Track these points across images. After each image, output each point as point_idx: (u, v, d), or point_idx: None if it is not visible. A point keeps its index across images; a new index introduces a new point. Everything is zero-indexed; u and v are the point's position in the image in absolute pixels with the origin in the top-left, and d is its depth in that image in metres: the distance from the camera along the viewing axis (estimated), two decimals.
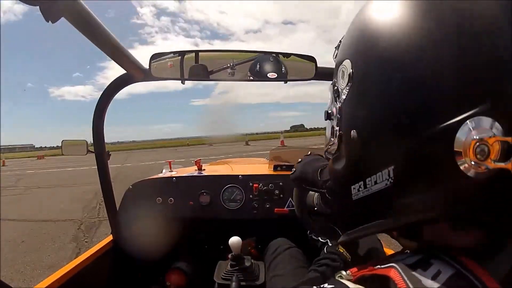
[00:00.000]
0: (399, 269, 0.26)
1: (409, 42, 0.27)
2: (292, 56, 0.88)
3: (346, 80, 0.33)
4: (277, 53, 0.86)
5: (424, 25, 0.27)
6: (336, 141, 0.35)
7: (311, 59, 0.86)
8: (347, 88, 0.33)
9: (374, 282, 0.28)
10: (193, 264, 1.29)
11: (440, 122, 0.24)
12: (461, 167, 0.24)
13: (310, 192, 0.93)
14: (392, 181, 0.27)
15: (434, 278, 0.24)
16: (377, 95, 0.29)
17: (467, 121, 0.23)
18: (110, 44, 0.49)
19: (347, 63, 0.33)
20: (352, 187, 0.32)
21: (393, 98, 0.27)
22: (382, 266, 0.29)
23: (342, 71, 0.34)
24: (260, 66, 0.84)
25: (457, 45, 0.25)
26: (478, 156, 0.23)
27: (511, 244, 0.26)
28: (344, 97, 0.34)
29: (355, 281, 0.29)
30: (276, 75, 0.84)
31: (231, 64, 0.84)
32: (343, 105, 0.34)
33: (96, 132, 0.85)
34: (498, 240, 0.27)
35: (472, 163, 0.23)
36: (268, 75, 0.84)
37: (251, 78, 0.85)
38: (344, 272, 0.31)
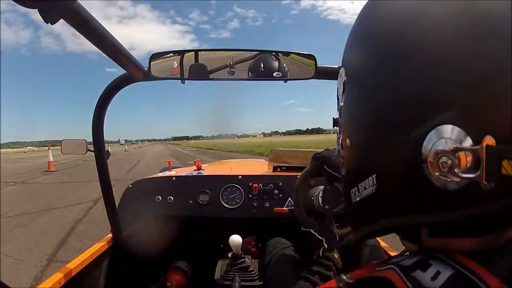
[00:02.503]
0: (398, 270, 0.26)
1: (384, 53, 0.28)
2: (291, 54, 0.88)
3: (342, 88, 0.35)
4: (277, 52, 0.86)
5: (393, 41, 0.27)
6: (339, 147, 0.37)
7: (311, 57, 0.86)
8: (343, 96, 0.34)
9: (374, 284, 0.28)
10: (193, 264, 1.29)
11: (410, 131, 0.25)
12: (430, 178, 0.24)
13: (311, 191, 0.94)
14: (375, 187, 0.29)
15: (433, 278, 0.24)
16: (361, 104, 0.31)
17: (433, 130, 0.23)
18: (109, 44, 0.49)
19: (342, 71, 0.35)
20: (351, 191, 0.33)
21: (373, 108, 0.29)
22: (381, 268, 0.29)
23: (340, 78, 0.36)
24: (260, 65, 0.84)
25: (421, 56, 0.25)
26: (442, 168, 0.23)
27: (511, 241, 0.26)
28: (342, 104, 0.35)
29: (355, 284, 0.30)
30: (276, 74, 0.84)
31: (231, 63, 0.84)
32: (341, 113, 0.35)
33: (96, 131, 0.85)
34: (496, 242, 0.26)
35: (436, 174, 0.23)
36: (268, 74, 0.83)
37: (251, 77, 0.84)
38: (344, 276, 0.31)
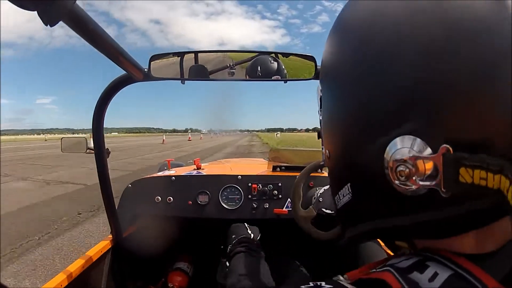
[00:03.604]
0: (394, 272, 0.26)
1: (352, 62, 0.29)
2: (291, 55, 0.88)
3: (319, 103, 0.37)
4: (276, 53, 0.86)
5: (356, 53, 0.28)
6: (324, 157, 0.39)
7: (311, 58, 0.86)
8: (320, 111, 0.37)
9: (371, 286, 0.28)
10: (194, 264, 1.29)
11: (373, 142, 0.26)
12: (393, 185, 0.24)
13: (310, 192, 0.94)
14: (351, 195, 0.30)
15: (431, 280, 0.24)
16: (334, 116, 0.32)
17: (393, 140, 0.24)
18: (109, 46, 0.49)
19: (318, 87, 0.37)
20: (335, 198, 0.35)
21: (344, 118, 0.30)
22: (377, 270, 0.29)
23: (317, 95, 0.38)
24: (260, 66, 0.84)
25: (383, 69, 0.26)
26: (400, 176, 0.23)
27: (510, 243, 0.26)
28: (320, 118, 0.37)
29: (353, 284, 0.30)
30: (276, 75, 0.84)
31: (231, 64, 0.84)
32: (321, 124, 0.38)
33: (96, 131, 0.85)
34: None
35: (396, 182, 0.24)
36: (268, 74, 0.84)
37: (250, 78, 0.85)
38: (341, 277, 0.31)
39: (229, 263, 0.74)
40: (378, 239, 1.01)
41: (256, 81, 0.86)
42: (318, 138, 0.41)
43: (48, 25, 0.33)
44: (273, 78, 0.84)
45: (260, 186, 1.14)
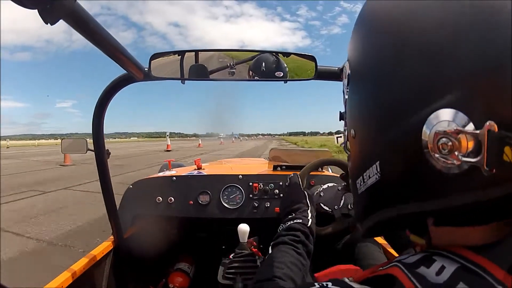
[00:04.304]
0: (402, 267, 0.26)
1: (385, 41, 0.28)
2: (292, 55, 0.87)
3: (346, 81, 0.35)
4: (277, 52, 0.86)
5: (397, 28, 0.28)
6: (345, 140, 0.37)
7: (311, 58, 0.85)
8: (347, 89, 0.35)
9: (379, 283, 0.28)
10: (195, 265, 1.29)
11: (410, 116, 0.25)
12: (431, 161, 0.23)
13: (311, 189, 0.94)
14: (379, 175, 0.29)
15: (438, 273, 0.24)
16: (365, 94, 0.31)
17: (434, 113, 0.23)
18: (109, 44, 0.49)
19: (346, 65, 0.35)
20: (356, 182, 0.33)
21: (375, 95, 0.29)
22: (384, 267, 0.29)
23: (344, 73, 0.36)
24: (260, 65, 0.83)
25: (424, 41, 0.25)
26: (442, 149, 0.22)
27: None
28: (346, 97, 0.36)
29: (361, 284, 0.30)
30: (276, 75, 0.84)
31: (231, 63, 0.84)
32: (345, 106, 0.36)
33: (96, 131, 0.85)
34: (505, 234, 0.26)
35: (437, 156, 0.23)
36: (268, 74, 0.83)
37: (251, 78, 0.84)
38: (346, 279, 0.31)
39: (271, 248, 0.64)
40: (381, 241, 1.02)
41: (256, 81, 0.86)
42: (340, 120, 0.40)
43: (49, 24, 0.33)
44: (273, 78, 0.84)
45: (261, 185, 1.14)
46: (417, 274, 0.25)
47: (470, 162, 0.21)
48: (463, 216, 0.25)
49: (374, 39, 0.30)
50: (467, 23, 0.23)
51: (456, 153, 0.22)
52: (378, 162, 0.29)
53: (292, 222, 0.68)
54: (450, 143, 0.22)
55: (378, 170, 0.29)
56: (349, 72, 0.34)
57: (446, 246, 0.27)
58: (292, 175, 0.88)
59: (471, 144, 0.21)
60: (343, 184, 0.93)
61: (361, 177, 0.32)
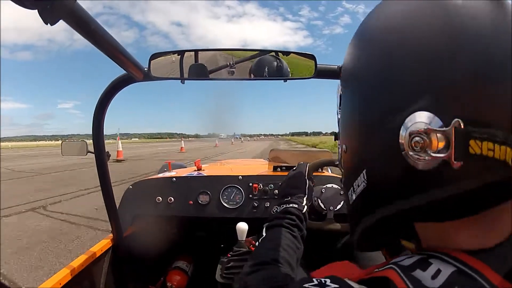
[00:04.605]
0: (398, 270, 0.26)
1: (368, 58, 0.31)
2: (291, 54, 0.87)
3: (339, 101, 0.39)
4: (277, 51, 0.86)
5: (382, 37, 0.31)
6: (340, 157, 0.40)
7: (311, 57, 0.85)
8: (339, 108, 0.38)
9: (374, 285, 0.28)
10: (194, 263, 1.29)
11: (388, 122, 0.27)
12: (407, 160, 0.26)
13: (314, 188, 0.95)
14: (366, 182, 0.31)
15: (434, 277, 0.24)
16: (352, 107, 0.34)
17: (408, 117, 0.26)
18: (108, 44, 0.49)
19: (339, 84, 0.39)
20: (348, 193, 0.36)
21: (360, 107, 0.32)
22: (380, 269, 0.29)
23: (337, 93, 0.40)
24: (259, 64, 0.83)
25: (402, 54, 0.28)
26: (415, 147, 0.25)
27: None
28: (339, 117, 0.39)
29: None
30: (276, 73, 0.84)
31: (230, 63, 0.84)
32: (339, 125, 0.39)
33: (96, 132, 0.85)
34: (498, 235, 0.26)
35: (411, 153, 0.25)
36: (268, 73, 0.83)
37: (251, 77, 0.84)
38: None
39: (266, 230, 0.63)
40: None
41: (256, 80, 0.86)
42: (335, 140, 0.43)
43: (48, 24, 0.33)
44: (273, 77, 0.84)
45: (261, 186, 1.14)
46: (412, 277, 0.25)
47: (440, 157, 0.24)
48: (445, 211, 0.27)
49: (361, 52, 0.33)
50: (444, 39, 0.26)
51: (427, 149, 0.24)
52: (365, 170, 0.31)
53: (288, 205, 0.69)
54: (422, 141, 0.24)
55: (365, 177, 0.31)
56: (341, 93, 0.38)
57: (440, 248, 0.27)
58: (302, 163, 0.88)
59: (441, 141, 0.24)
60: None
61: (352, 187, 0.34)
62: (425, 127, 0.24)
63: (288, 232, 0.60)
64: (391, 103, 0.28)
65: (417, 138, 0.25)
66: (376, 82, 0.29)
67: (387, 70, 0.28)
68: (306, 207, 0.70)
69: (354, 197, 0.34)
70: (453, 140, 0.23)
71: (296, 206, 0.68)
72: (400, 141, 0.26)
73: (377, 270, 0.29)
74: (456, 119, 0.23)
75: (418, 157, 0.25)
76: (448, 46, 0.26)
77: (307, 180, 0.80)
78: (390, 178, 0.28)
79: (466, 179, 0.24)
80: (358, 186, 0.32)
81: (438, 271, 0.24)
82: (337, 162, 0.99)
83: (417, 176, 0.26)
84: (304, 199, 0.72)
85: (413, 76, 0.26)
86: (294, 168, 0.86)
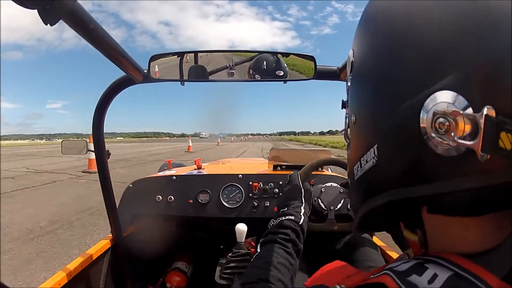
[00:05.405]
0: (393, 276, 0.26)
1: (390, 26, 0.28)
2: (291, 55, 0.88)
3: (350, 68, 0.35)
4: (276, 53, 0.86)
5: (408, 11, 0.27)
6: (346, 127, 0.37)
7: (310, 58, 0.86)
8: (350, 76, 0.35)
9: None
10: (193, 264, 1.29)
11: (409, 98, 0.25)
12: (426, 142, 0.23)
13: (313, 188, 0.94)
14: (376, 159, 0.28)
15: (430, 282, 0.23)
16: (366, 77, 0.31)
17: (432, 95, 0.23)
18: (109, 46, 0.49)
19: (350, 53, 0.35)
20: (354, 167, 0.33)
21: (377, 80, 0.29)
22: (375, 275, 0.28)
23: (348, 59, 0.36)
24: (259, 66, 0.84)
25: (426, 23, 0.25)
26: (439, 129, 0.22)
27: (510, 238, 0.25)
28: (349, 84, 0.35)
29: None
30: (276, 74, 0.84)
31: (230, 64, 0.84)
32: (348, 92, 0.36)
33: (96, 132, 0.85)
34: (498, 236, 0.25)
35: (433, 135, 0.23)
36: (267, 75, 0.84)
37: (251, 78, 0.85)
38: (337, 286, 0.31)
39: (260, 246, 0.63)
40: (380, 242, 1.02)
41: (257, 81, 0.86)
42: (342, 108, 0.40)
43: (48, 24, 0.33)
44: (274, 78, 0.84)
45: (261, 185, 1.14)
46: (408, 282, 0.24)
47: (466, 144, 0.21)
48: (457, 204, 0.25)
49: (378, 30, 0.30)
50: (483, 7, 0.23)
51: (452, 134, 0.22)
52: (376, 145, 0.28)
53: (283, 218, 0.67)
54: (447, 123, 0.22)
55: (376, 153, 0.28)
56: (353, 59, 0.34)
57: (440, 250, 0.27)
58: (293, 172, 0.88)
59: (468, 127, 0.21)
60: (346, 190, 0.93)
61: (358, 162, 0.32)
62: (452, 109, 0.22)
63: (281, 249, 0.59)
64: (413, 77, 0.25)
65: (441, 119, 0.22)
66: (396, 56, 0.27)
67: (410, 47, 0.25)
68: (304, 217, 0.70)
69: (360, 174, 0.32)
70: (483, 128, 0.20)
71: (292, 218, 0.67)
72: (421, 118, 0.24)
73: (372, 276, 0.29)
74: (488, 106, 0.20)
75: (441, 140, 0.22)
76: (489, 15, 0.22)
77: (302, 189, 0.79)
78: (402, 160, 0.26)
79: (489, 173, 0.21)
80: (367, 162, 0.30)
81: (435, 276, 0.23)
82: (329, 162, 0.98)
83: (434, 162, 0.23)
84: (302, 208, 0.72)
85: (441, 52, 0.23)
86: (287, 181, 0.87)
